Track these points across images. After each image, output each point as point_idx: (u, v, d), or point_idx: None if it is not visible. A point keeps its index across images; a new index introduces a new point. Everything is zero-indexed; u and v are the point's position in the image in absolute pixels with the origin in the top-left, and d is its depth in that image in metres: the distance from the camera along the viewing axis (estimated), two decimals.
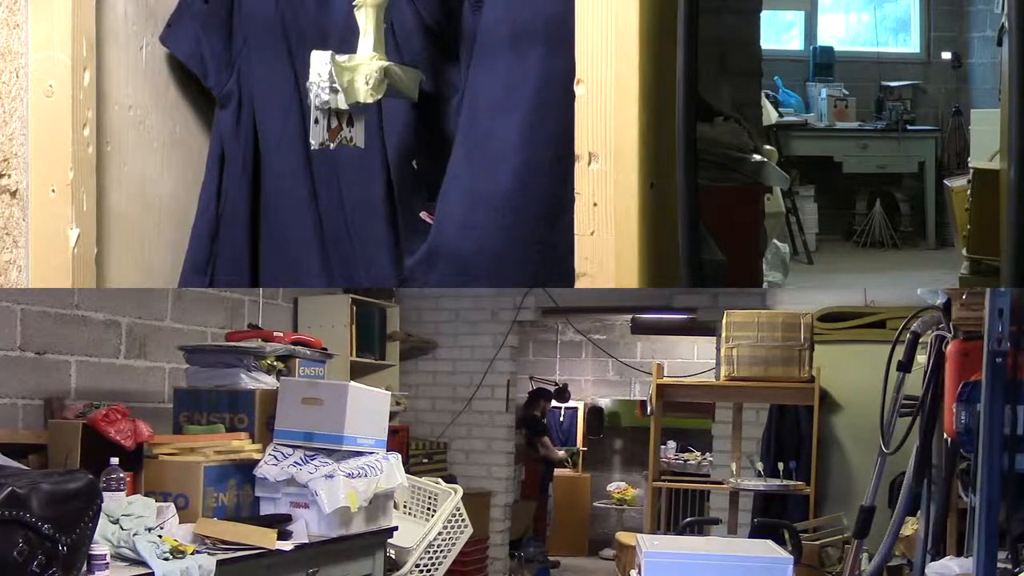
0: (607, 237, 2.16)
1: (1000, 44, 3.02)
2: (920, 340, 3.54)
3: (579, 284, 2.20)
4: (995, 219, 2.62)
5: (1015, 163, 2.31)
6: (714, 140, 3.12)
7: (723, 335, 5.11)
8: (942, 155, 7.77)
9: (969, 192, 5.04)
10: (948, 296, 3.29)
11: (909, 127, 7.74)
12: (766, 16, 3.94)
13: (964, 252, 5.13)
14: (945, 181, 6.47)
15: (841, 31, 8.36)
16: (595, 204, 2.16)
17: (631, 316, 8.49)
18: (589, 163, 2.16)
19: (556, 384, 9.10)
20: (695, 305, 6.16)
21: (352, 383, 3.73)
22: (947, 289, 3.37)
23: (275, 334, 4.02)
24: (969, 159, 5.88)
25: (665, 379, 5.41)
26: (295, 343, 3.99)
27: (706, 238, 2.63)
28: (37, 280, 2.74)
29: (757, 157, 3.23)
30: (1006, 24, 2.39)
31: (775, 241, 4.69)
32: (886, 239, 7.72)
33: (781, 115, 7.53)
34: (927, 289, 3.50)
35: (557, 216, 2.39)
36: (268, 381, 3.77)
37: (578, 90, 2.17)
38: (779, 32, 8.12)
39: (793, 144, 7.58)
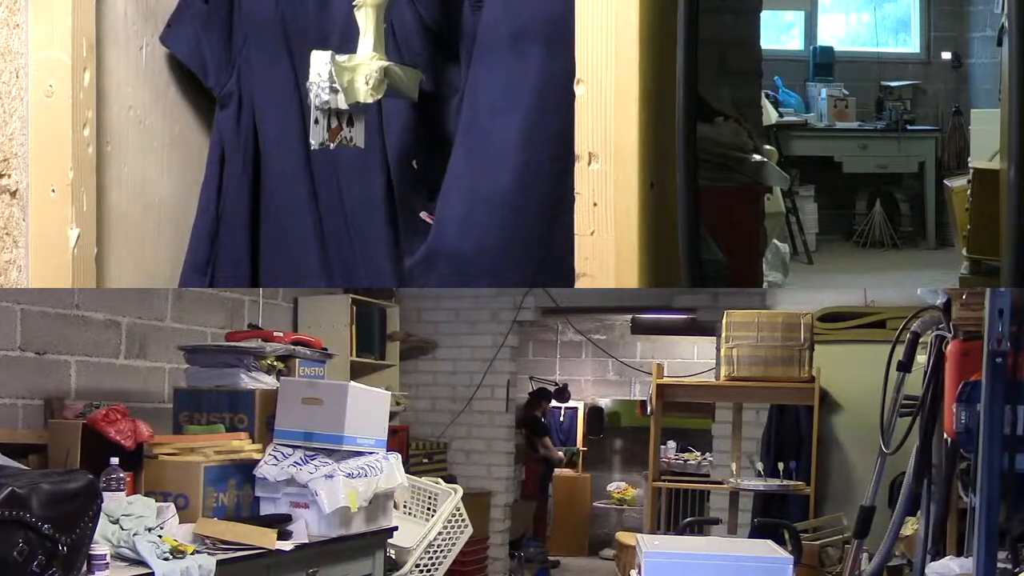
0: (607, 237, 2.16)
1: (1000, 44, 3.02)
2: (920, 340, 3.54)
3: (579, 284, 2.20)
4: (995, 219, 2.63)
5: (1015, 163, 2.32)
6: (714, 140, 3.12)
7: (723, 335, 5.11)
8: (942, 155, 7.77)
9: (969, 192, 5.05)
10: (948, 296, 3.29)
11: (909, 127, 7.74)
12: (766, 16, 3.94)
13: (964, 252, 5.13)
14: (945, 181, 6.48)
15: (841, 31, 8.36)
16: (595, 204, 2.16)
17: (631, 316, 8.49)
18: (589, 163, 2.16)
19: (556, 384, 9.10)
20: (695, 305, 6.16)
21: (352, 383, 3.73)
22: (947, 289, 3.36)
23: (275, 334, 4.02)
24: (969, 159, 5.88)
25: (665, 379, 5.41)
26: (295, 343, 3.99)
27: (706, 238, 2.63)
28: (37, 280, 2.74)
29: (757, 157, 3.22)
30: (1006, 24, 2.39)
31: (775, 241, 4.69)
32: (886, 239, 7.72)
33: (781, 115, 7.53)
34: (927, 289, 3.50)
35: (557, 216, 2.39)
36: (268, 381, 3.77)
37: (578, 90, 2.16)
38: (779, 32, 8.12)
39: (793, 144, 7.58)
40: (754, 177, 3.18)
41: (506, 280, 2.72)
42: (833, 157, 7.77)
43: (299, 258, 3.18)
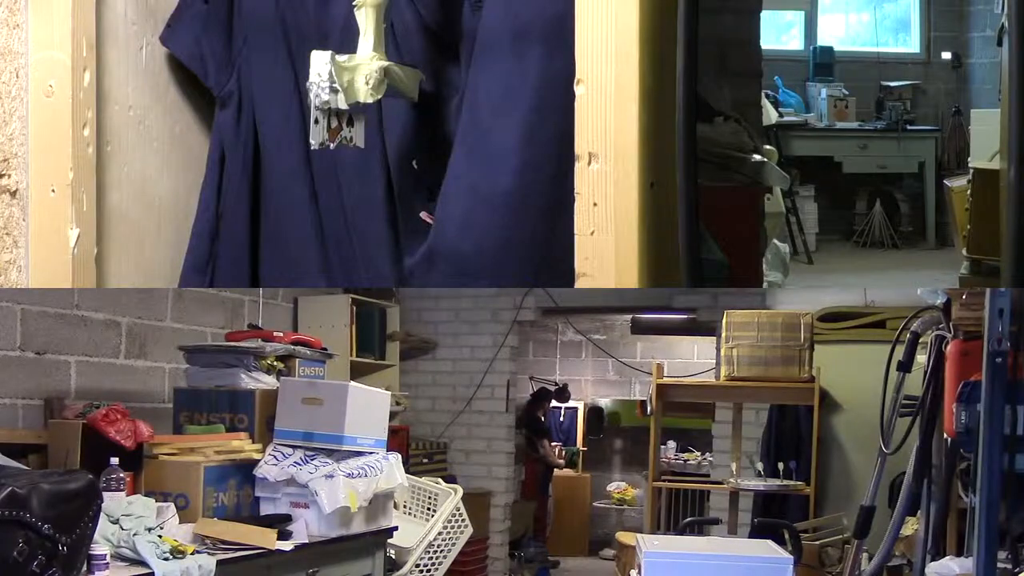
0: (607, 237, 2.16)
1: (1000, 44, 3.02)
2: (920, 340, 3.54)
3: (579, 284, 2.20)
4: (995, 219, 2.63)
5: (1015, 163, 2.32)
6: (714, 140, 3.12)
7: (723, 335, 5.11)
8: (942, 155, 7.77)
9: (969, 192, 5.05)
10: (948, 296, 3.29)
11: (909, 127, 7.74)
12: (766, 16, 3.94)
13: (964, 252, 5.14)
14: (945, 181, 6.48)
15: (841, 31, 8.37)
16: (595, 204, 2.16)
17: (631, 316, 8.49)
18: (589, 163, 2.16)
19: (556, 384, 9.10)
20: (695, 305, 6.16)
21: (352, 383, 3.73)
22: (947, 289, 3.37)
23: (275, 334, 4.02)
24: (969, 159, 5.89)
25: (665, 379, 5.41)
26: (295, 343, 3.99)
27: (706, 238, 2.63)
28: (37, 280, 2.74)
29: (757, 157, 3.22)
30: (1006, 24, 2.39)
31: (775, 241, 4.69)
32: (886, 239, 7.72)
33: (781, 115, 7.53)
34: (927, 289, 3.50)
35: (557, 216, 2.39)
36: (268, 381, 3.77)
37: (578, 90, 2.16)
38: (779, 32, 8.13)
39: (793, 144, 7.58)
40: (754, 177, 3.18)
41: (506, 280, 2.72)
42: (833, 157, 7.77)
43: (299, 258, 3.18)
